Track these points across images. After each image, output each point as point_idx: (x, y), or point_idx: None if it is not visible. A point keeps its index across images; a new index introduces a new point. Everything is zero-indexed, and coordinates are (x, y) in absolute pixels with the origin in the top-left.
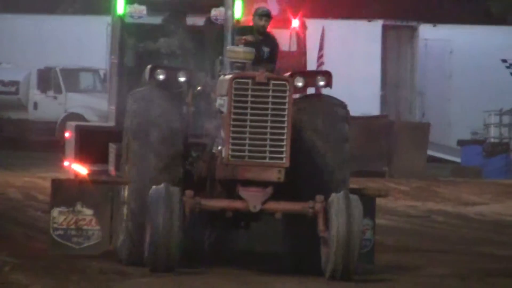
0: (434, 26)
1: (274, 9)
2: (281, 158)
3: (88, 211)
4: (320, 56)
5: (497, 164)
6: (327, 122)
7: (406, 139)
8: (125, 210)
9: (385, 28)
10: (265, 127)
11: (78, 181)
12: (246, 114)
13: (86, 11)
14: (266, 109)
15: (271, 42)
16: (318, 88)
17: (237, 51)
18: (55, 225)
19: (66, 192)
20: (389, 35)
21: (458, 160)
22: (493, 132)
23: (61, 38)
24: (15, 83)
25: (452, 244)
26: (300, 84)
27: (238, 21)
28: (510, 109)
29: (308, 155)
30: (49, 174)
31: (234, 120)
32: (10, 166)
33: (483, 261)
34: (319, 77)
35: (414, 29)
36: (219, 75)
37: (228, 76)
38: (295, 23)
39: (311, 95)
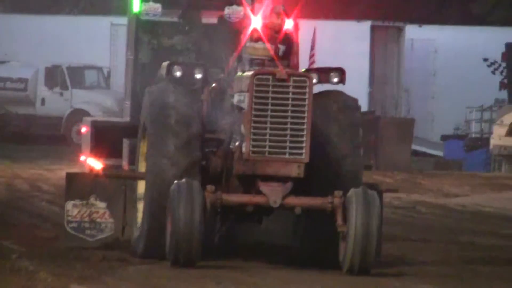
0: (420, 26)
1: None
2: (301, 154)
3: (102, 204)
4: (311, 55)
5: (477, 158)
6: (341, 130)
7: (392, 134)
8: (140, 204)
9: (373, 29)
10: (285, 123)
11: (93, 175)
12: (266, 110)
13: (90, 12)
14: (286, 105)
15: (287, 39)
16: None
17: (257, 48)
18: (69, 218)
19: (80, 185)
20: (377, 35)
21: (441, 154)
22: (474, 127)
23: (67, 37)
24: (23, 80)
25: (436, 234)
26: (314, 80)
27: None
28: (490, 105)
29: (322, 149)
30: (54, 167)
31: (255, 116)
32: (17, 159)
33: (465, 249)
34: (332, 74)
35: (400, 30)
36: (237, 72)
37: (249, 73)
38: (289, 24)
39: (326, 91)
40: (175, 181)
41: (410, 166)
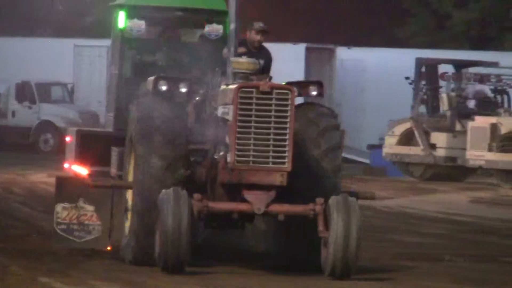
0: (349, 48)
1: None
2: (284, 163)
3: (90, 207)
4: None
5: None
6: (320, 131)
7: None
8: (128, 213)
9: (308, 50)
10: (269, 134)
11: (84, 184)
12: (250, 122)
13: (56, 35)
14: (269, 116)
15: (266, 55)
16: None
17: (241, 62)
18: (59, 220)
19: (69, 188)
20: (311, 56)
21: (367, 161)
22: None
23: (36, 57)
24: None
25: (368, 233)
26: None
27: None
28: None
29: (302, 163)
30: (25, 172)
31: (240, 127)
32: None
33: (393, 247)
34: (311, 87)
35: (332, 51)
36: (221, 85)
37: (233, 86)
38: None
39: (304, 104)
40: (163, 190)
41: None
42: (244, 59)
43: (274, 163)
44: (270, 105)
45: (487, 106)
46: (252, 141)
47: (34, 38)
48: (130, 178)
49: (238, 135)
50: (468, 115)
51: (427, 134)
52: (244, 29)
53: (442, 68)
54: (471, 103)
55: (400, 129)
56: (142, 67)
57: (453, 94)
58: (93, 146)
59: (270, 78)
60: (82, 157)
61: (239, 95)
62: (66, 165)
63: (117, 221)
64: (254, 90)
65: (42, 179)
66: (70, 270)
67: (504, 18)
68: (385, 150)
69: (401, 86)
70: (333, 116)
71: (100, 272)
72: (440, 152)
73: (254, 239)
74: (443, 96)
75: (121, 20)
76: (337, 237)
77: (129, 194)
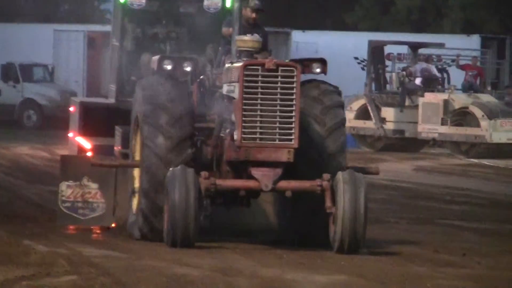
0: (303, 32)
1: None
2: (290, 140)
3: (94, 185)
4: None
5: (350, 139)
6: (324, 108)
7: None
8: (135, 191)
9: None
10: (275, 111)
11: (91, 164)
12: (256, 99)
13: (37, 21)
14: (275, 93)
15: (262, 30)
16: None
17: (246, 40)
18: (63, 198)
19: (73, 167)
20: (269, 39)
21: None
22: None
23: (19, 41)
24: None
25: None
26: None
27: (229, 11)
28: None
29: (306, 141)
30: (9, 145)
31: (246, 104)
32: None
33: None
34: (314, 64)
35: (288, 34)
36: (225, 63)
37: (238, 64)
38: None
39: (307, 81)
40: (170, 169)
41: None
42: (248, 37)
43: (280, 140)
44: (276, 82)
45: (432, 83)
46: (258, 119)
47: (17, 24)
48: (137, 157)
49: (245, 113)
50: (415, 91)
51: (378, 109)
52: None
53: (388, 50)
54: (418, 81)
55: (356, 105)
56: (143, 39)
57: (403, 72)
58: (95, 117)
59: (270, 52)
60: (85, 128)
61: (244, 72)
62: (70, 135)
63: (121, 198)
64: (259, 67)
65: (25, 151)
66: (51, 234)
67: (442, 5)
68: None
69: (350, 65)
70: (338, 93)
71: (78, 235)
72: (390, 126)
73: (260, 216)
74: (393, 75)
75: None
76: (344, 212)
77: (135, 174)
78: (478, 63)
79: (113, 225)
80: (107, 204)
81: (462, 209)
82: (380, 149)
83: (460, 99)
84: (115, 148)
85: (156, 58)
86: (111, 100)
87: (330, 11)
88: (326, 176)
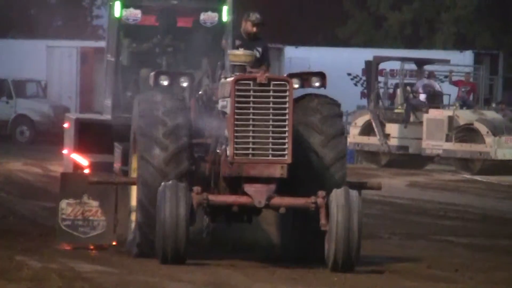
0: (296, 47)
1: None
2: (284, 155)
3: (94, 203)
4: None
5: (348, 155)
6: (322, 118)
7: None
8: (133, 209)
9: None
10: (268, 126)
11: (88, 182)
12: (248, 114)
13: (30, 37)
14: (268, 108)
15: (262, 43)
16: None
17: (238, 54)
18: (63, 216)
19: (73, 184)
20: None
21: None
22: None
23: (12, 56)
24: None
25: None
26: (296, 85)
27: (225, 25)
28: (354, 111)
29: (305, 151)
30: (2, 160)
31: (238, 120)
32: None
33: None
34: (314, 78)
35: (281, 50)
36: (220, 78)
37: (230, 79)
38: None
39: (306, 95)
40: (162, 183)
41: None
42: (240, 51)
43: (274, 155)
44: (268, 97)
45: (436, 100)
46: (251, 134)
47: (10, 39)
48: (134, 174)
49: (237, 128)
50: (420, 107)
51: (383, 125)
52: (239, 20)
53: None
54: (422, 97)
55: (361, 121)
56: (138, 54)
57: (407, 88)
58: (91, 134)
59: (268, 68)
60: (81, 144)
61: (236, 87)
62: (64, 151)
63: (122, 215)
64: (251, 82)
65: (18, 167)
66: (43, 249)
67: (434, 20)
68: (349, 139)
69: (344, 81)
70: (336, 104)
71: (71, 251)
72: (394, 142)
73: (261, 232)
74: (398, 91)
75: (117, 9)
76: (338, 231)
77: (133, 193)
78: (471, 79)
79: (114, 243)
80: (107, 221)
81: (454, 225)
82: (384, 165)
83: (465, 116)
84: (114, 165)
85: (152, 73)
86: (107, 116)
87: (322, 26)
88: (321, 193)
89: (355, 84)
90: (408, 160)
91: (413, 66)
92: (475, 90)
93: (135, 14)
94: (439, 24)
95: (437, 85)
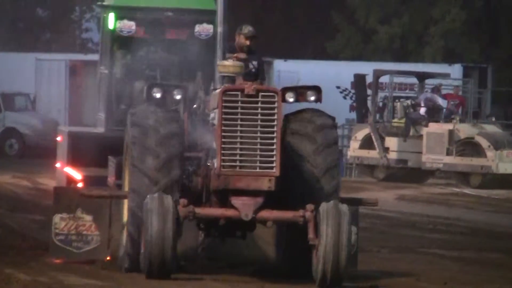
0: (285, 61)
1: None
2: (272, 168)
3: (88, 217)
4: None
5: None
6: (315, 127)
7: None
8: (123, 225)
9: None
10: (255, 138)
11: (80, 194)
12: (236, 126)
13: (19, 50)
14: (256, 120)
15: (257, 57)
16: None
17: (226, 65)
18: (57, 231)
19: (67, 199)
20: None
21: None
22: None
23: (1, 69)
24: None
25: None
26: (291, 99)
27: None
28: (342, 124)
29: (298, 161)
30: None
31: (225, 131)
32: None
33: None
34: (309, 92)
35: (270, 63)
36: (212, 90)
37: (218, 90)
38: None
39: (301, 110)
40: (148, 195)
41: None
42: (229, 62)
43: (261, 167)
44: (256, 108)
45: (436, 114)
46: (238, 146)
47: None
48: (127, 187)
49: (224, 140)
50: (419, 121)
51: (382, 138)
52: (231, 32)
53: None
54: (422, 110)
55: (361, 134)
56: (132, 67)
57: (407, 102)
58: (85, 147)
59: (262, 82)
60: (74, 158)
61: (223, 98)
62: (57, 165)
63: (116, 230)
64: (239, 93)
65: (7, 180)
66: (32, 262)
67: (423, 33)
68: (349, 153)
69: (333, 94)
70: (330, 117)
71: (59, 264)
72: (393, 155)
73: (254, 248)
74: (398, 104)
75: (111, 21)
76: (326, 246)
77: (125, 209)
78: (460, 92)
79: (108, 258)
80: (101, 236)
81: (443, 238)
82: (383, 179)
83: (465, 129)
84: (108, 178)
85: (145, 86)
86: (100, 129)
87: (311, 40)
88: (310, 207)
89: (344, 98)
90: (407, 174)
91: (402, 79)
92: (464, 104)
93: (129, 26)
94: (428, 38)
95: (439, 99)
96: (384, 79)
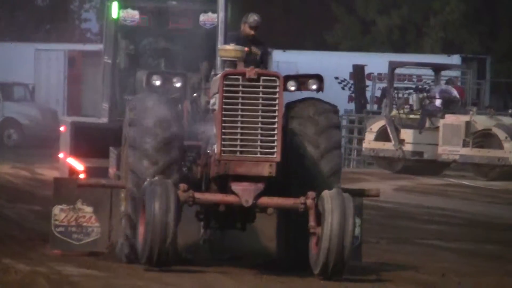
0: (284, 51)
1: None
2: (272, 153)
3: (88, 209)
4: None
5: None
6: (318, 130)
7: None
8: (122, 213)
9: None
10: (256, 123)
11: (78, 184)
12: (237, 110)
13: (18, 40)
14: (257, 104)
15: (263, 46)
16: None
17: (228, 49)
18: (56, 222)
19: (67, 190)
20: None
21: None
22: None
23: (0, 59)
24: None
25: None
26: (292, 88)
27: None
28: (341, 115)
29: (299, 163)
30: None
31: (225, 116)
32: None
33: None
34: (311, 81)
35: (269, 53)
36: (213, 76)
37: (219, 74)
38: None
39: (304, 99)
40: (147, 180)
41: None
42: (230, 46)
43: (262, 153)
44: (257, 92)
45: (451, 105)
46: (239, 131)
47: None
48: (124, 173)
49: (224, 124)
50: (435, 113)
51: (398, 130)
52: (233, 23)
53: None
54: (438, 102)
55: (377, 126)
56: (136, 56)
57: (424, 94)
58: (88, 138)
59: (266, 68)
60: (77, 149)
61: (224, 82)
62: (60, 155)
63: (116, 222)
64: (240, 77)
65: (6, 170)
66: (31, 252)
67: (422, 24)
68: (364, 145)
69: (331, 85)
70: (334, 112)
71: (58, 255)
72: (409, 147)
73: (256, 241)
74: (414, 96)
75: (114, 10)
76: (332, 233)
77: (123, 194)
78: (459, 83)
79: (108, 250)
80: (102, 228)
81: (441, 229)
82: (398, 171)
83: (482, 121)
84: (109, 169)
85: (145, 74)
86: (104, 120)
87: (310, 30)
88: (311, 194)
89: (343, 88)
90: (423, 165)
91: (401, 71)
92: (463, 95)
93: (132, 15)
94: (427, 29)
95: (454, 91)
96: (384, 69)
